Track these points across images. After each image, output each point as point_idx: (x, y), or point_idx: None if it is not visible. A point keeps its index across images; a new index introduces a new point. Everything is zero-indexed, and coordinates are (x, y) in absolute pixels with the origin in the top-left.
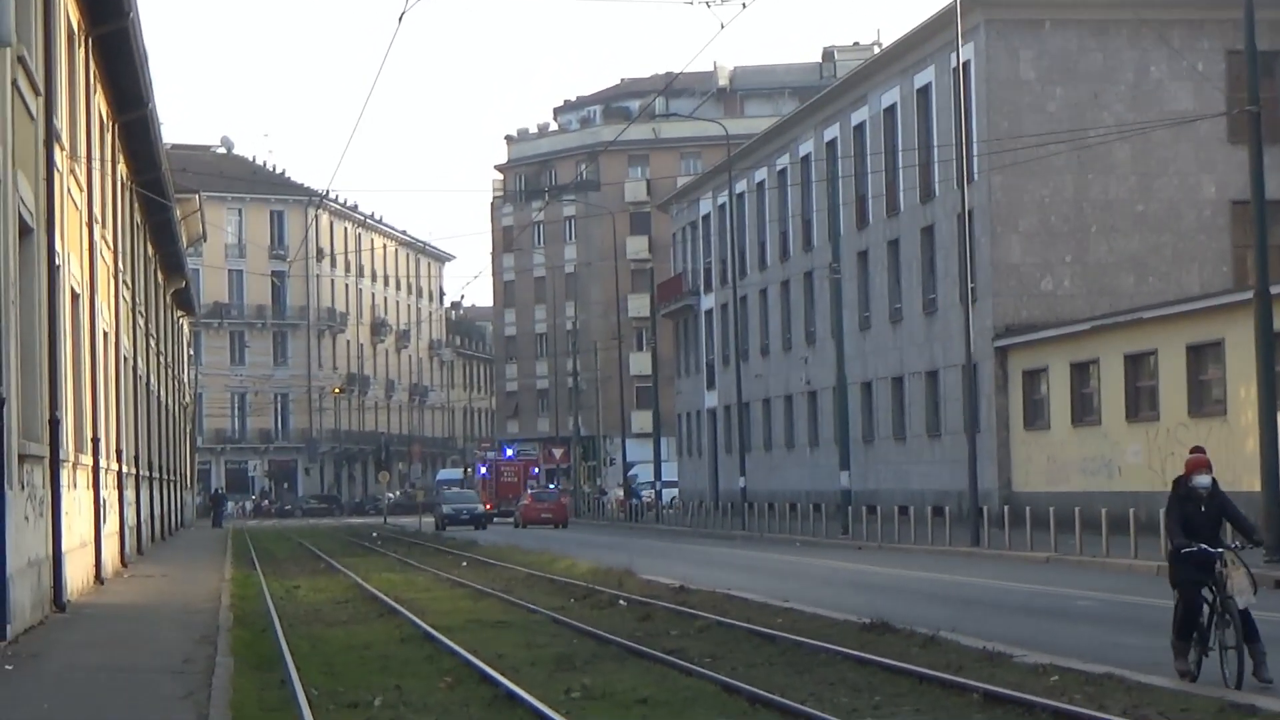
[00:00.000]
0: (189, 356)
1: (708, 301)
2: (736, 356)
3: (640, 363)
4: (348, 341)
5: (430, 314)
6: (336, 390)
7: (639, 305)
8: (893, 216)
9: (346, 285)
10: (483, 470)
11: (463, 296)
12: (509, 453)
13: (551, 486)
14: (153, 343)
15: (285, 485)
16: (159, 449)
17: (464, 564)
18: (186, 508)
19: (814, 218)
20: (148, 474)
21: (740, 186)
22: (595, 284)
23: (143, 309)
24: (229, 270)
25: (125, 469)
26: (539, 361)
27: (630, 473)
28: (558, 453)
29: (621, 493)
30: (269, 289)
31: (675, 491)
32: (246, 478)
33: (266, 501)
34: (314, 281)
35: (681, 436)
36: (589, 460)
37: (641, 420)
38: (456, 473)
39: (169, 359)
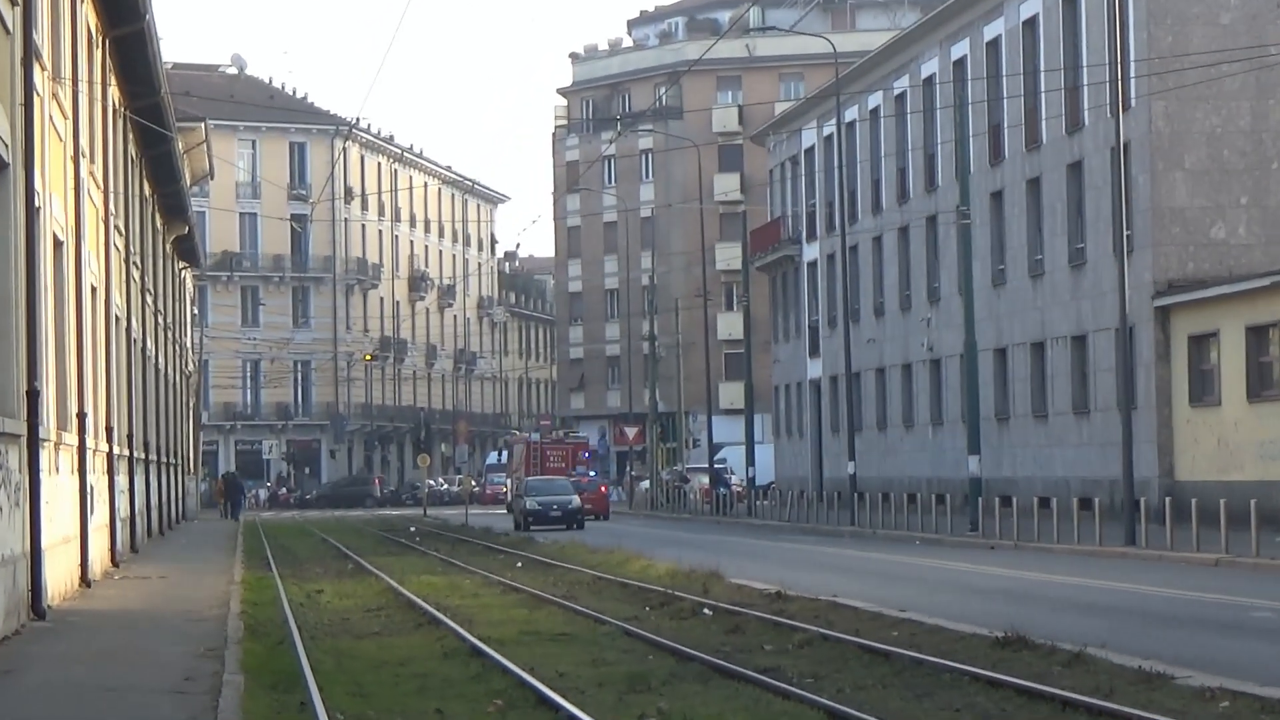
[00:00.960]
0: (192, 316)
1: (811, 252)
2: (845, 318)
3: (730, 325)
4: (381, 299)
5: (480, 266)
6: (368, 357)
7: (729, 256)
8: (1033, 150)
9: (380, 232)
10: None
11: (518, 245)
12: (534, 436)
13: (591, 474)
14: (149, 300)
15: (306, 470)
16: (157, 427)
17: (519, 565)
18: (189, 496)
19: (938, 152)
20: (143, 456)
21: (850, 114)
22: (676, 230)
23: (138, 259)
24: (240, 214)
25: (117, 450)
26: (609, 323)
27: (717, 456)
28: (631, 432)
29: (706, 480)
30: (288, 236)
31: (771, 479)
32: (260, 461)
33: (284, 490)
34: (341, 227)
35: (778, 413)
36: (667, 441)
37: (731, 394)
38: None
39: (169, 319)
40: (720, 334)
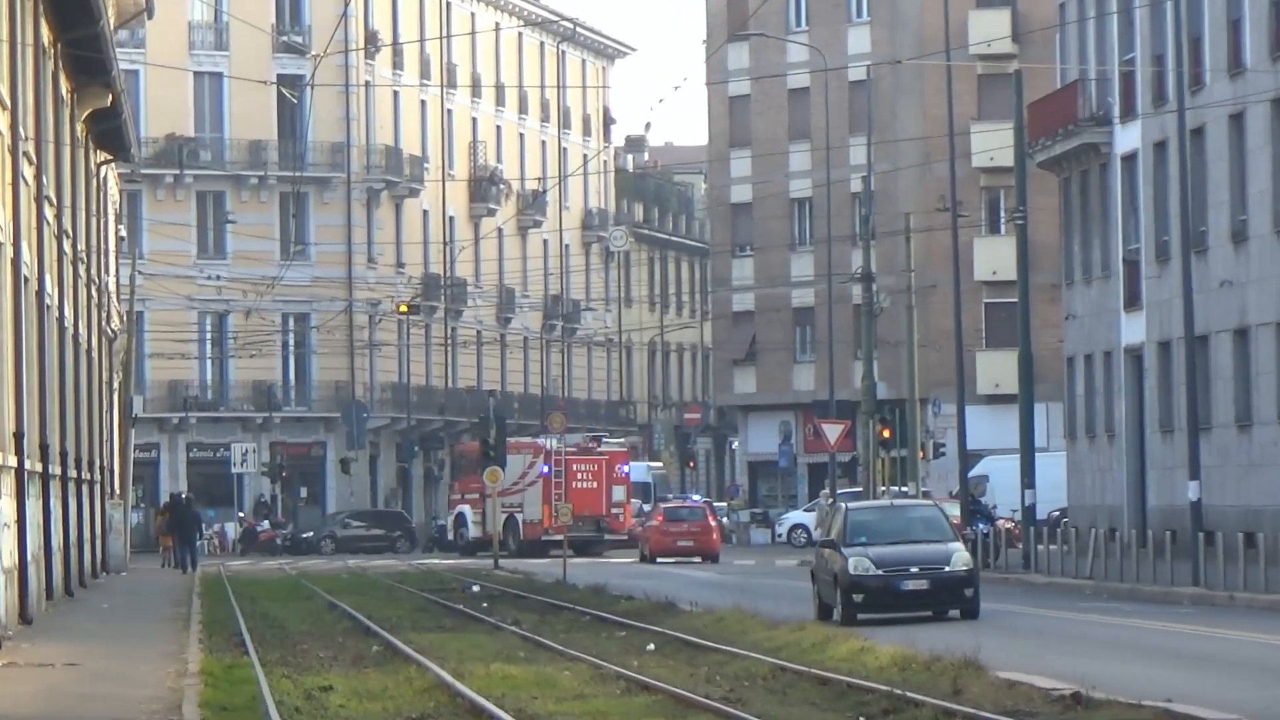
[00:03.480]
0: (117, 241)
1: (1127, 138)
2: (1184, 246)
3: (994, 257)
4: (424, 212)
5: (585, 160)
6: (403, 309)
7: (991, 144)
8: None
9: (423, 104)
10: (544, 468)
11: (648, 128)
12: (550, 442)
13: (694, 498)
14: (48, 212)
15: (303, 493)
16: (59, 421)
17: (650, 647)
18: (113, 533)
19: None
20: (37, 469)
21: None
22: (907, 103)
23: (31, 146)
24: (197, 75)
25: (0, 462)
26: (795, 254)
27: (973, 472)
28: (832, 433)
29: (955, 511)
30: (273, 112)
31: (1058, 507)
32: (227, 477)
33: (266, 523)
34: (360, 97)
35: (1072, 403)
36: (892, 448)
37: (995, 370)
38: (632, 470)
39: (79, 245)
40: (978, 272)
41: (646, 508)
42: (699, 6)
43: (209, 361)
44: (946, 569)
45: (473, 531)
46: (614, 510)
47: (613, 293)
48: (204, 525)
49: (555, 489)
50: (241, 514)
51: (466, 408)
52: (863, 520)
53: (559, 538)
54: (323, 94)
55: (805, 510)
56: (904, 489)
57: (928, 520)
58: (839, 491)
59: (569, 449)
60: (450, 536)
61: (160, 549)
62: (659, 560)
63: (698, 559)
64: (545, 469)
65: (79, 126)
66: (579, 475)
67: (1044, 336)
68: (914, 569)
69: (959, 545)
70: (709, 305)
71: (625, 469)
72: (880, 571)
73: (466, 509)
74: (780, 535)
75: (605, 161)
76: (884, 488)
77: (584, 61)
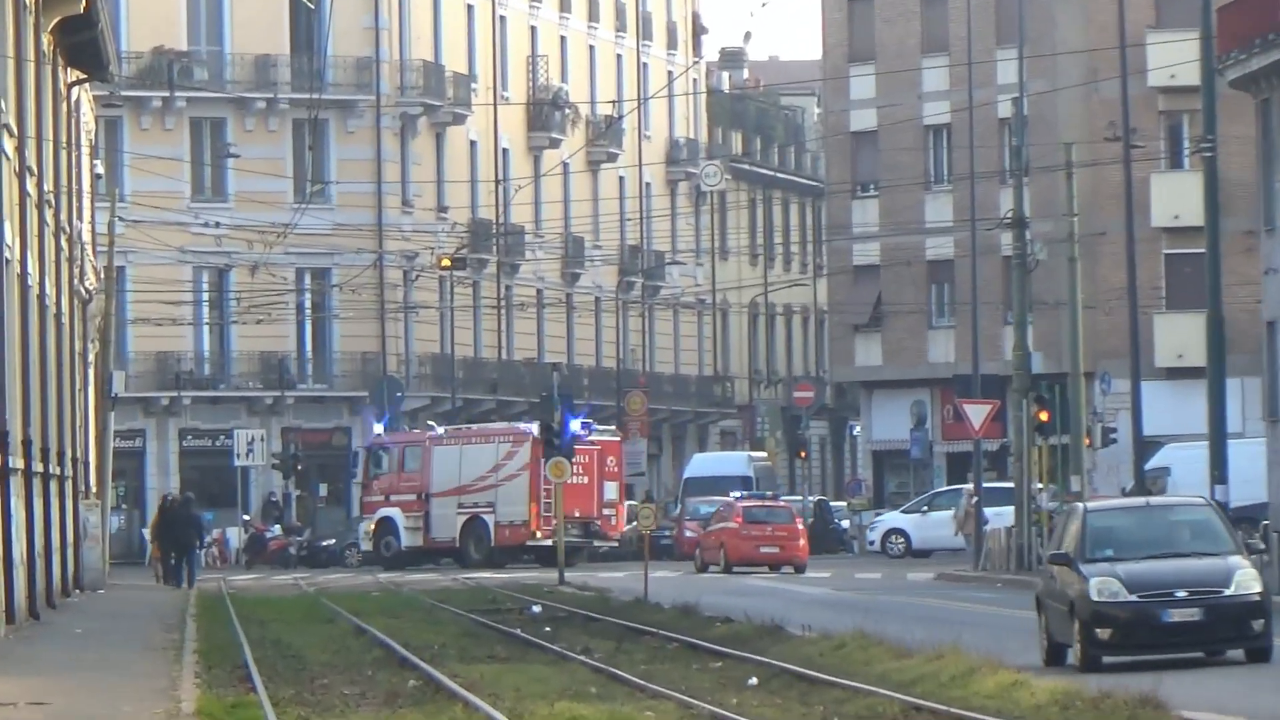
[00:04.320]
0: (92, 178)
1: None
2: None
3: (1175, 197)
4: (472, 144)
5: (670, 79)
6: (445, 263)
7: (1170, 57)
8: None
9: (469, 9)
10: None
11: (748, 38)
12: (525, 427)
13: (773, 496)
14: (8, 143)
15: (322, 491)
16: (23, 402)
17: (751, 681)
18: (90, 540)
19: None
20: None
21: None
22: (1067, 7)
23: None
24: None
25: None
26: (931, 194)
27: (1151, 464)
28: (976, 415)
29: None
30: (285, 18)
31: (1256, 501)
32: (228, 472)
33: (276, 527)
34: (390, 2)
35: (1275, 378)
36: (1050, 434)
37: (1176, 337)
38: (728, 461)
39: (46, 184)
40: (1156, 216)
41: (705, 509)
42: None
43: (206, 328)
44: (1226, 593)
45: (407, 540)
46: (606, 511)
47: (704, 243)
48: (204, 533)
49: (545, 485)
50: (246, 517)
51: (524, 384)
52: (1108, 526)
53: (548, 543)
54: (345, 2)
55: (904, 512)
56: (1069, 487)
57: (1198, 525)
58: (972, 494)
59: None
60: (366, 547)
61: (150, 561)
62: (735, 569)
63: (786, 568)
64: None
65: (45, 38)
66: (570, 468)
67: (1238, 295)
68: (1181, 593)
69: (1242, 560)
70: (823, 258)
71: (617, 462)
72: (1134, 597)
73: (396, 513)
74: (872, 543)
75: (695, 81)
76: (1040, 485)
77: None
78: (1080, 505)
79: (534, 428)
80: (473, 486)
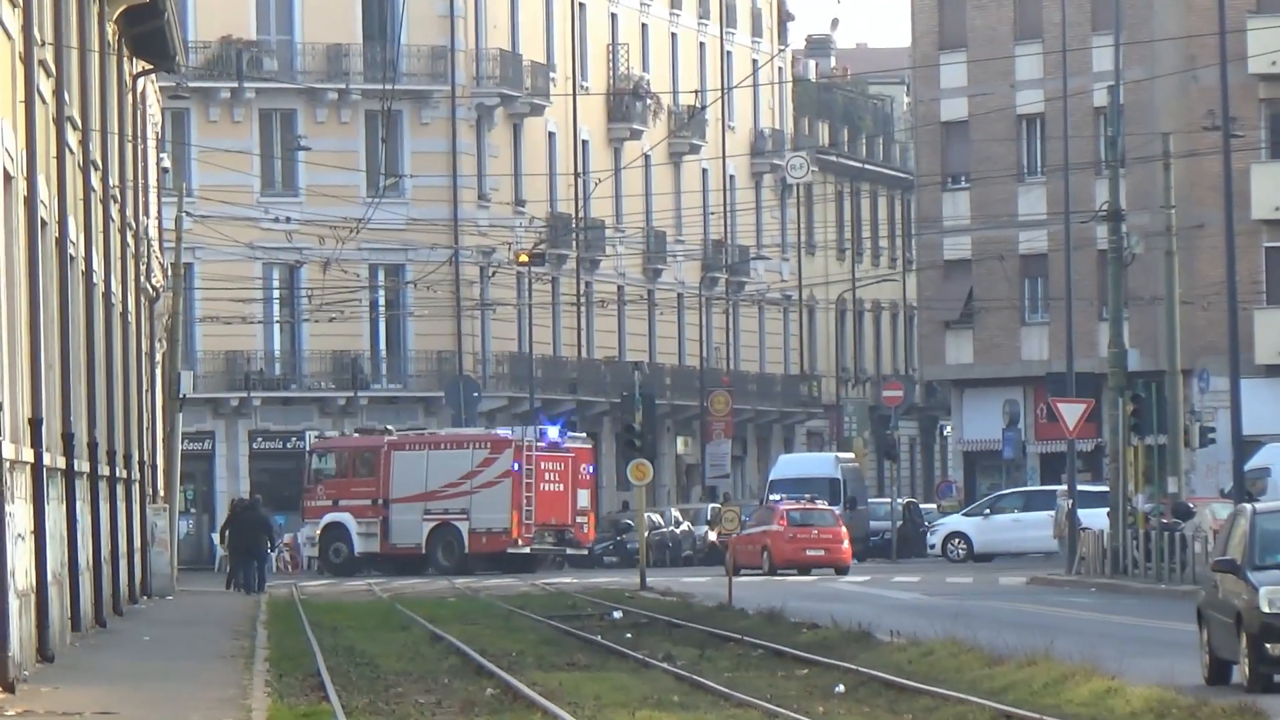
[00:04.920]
0: (159, 172)
1: None
2: None
3: (1272, 188)
4: (550, 135)
5: (755, 68)
6: (523, 258)
7: (1272, 42)
8: None
9: (548, 1)
10: (514, 464)
11: (835, 25)
12: (504, 431)
13: (813, 501)
14: (72, 137)
15: None
16: (88, 405)
17: (839, 689)
18: (158, 545)
19: None
20: (61, 466)
21: None
22: None
23: (49, 54)
24: None
25: (7, 454)
26: (1025, 186)
27: (1251, 464)
28: (1071, 414)
29: (1215, 515)
30: (356, 7)
31: None
32: (298, 474)
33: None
34: None
35: None
36: (1146, 433)
37: (1273, 330)
38: (815, 462)
39: (111, 177)
40: (1256, 208)
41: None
42: None
43: (276, 327)
44: None
45: (361, 546)
46: (579, 519)
47: (790, 237)
48: (276, 537)
49: (526, 492)
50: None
51: (605, 384)
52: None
53: (526, 550)
54: None
55: (966, 514)
56: (1167, 490)
57: None
58: (1068, 496)
59: (539, 444)
60: (309, 553)
61: (222, 565)
62: (780, 572)
63: (829, 569)
64: (516, 465)
65: (110, 28)
66: (547, 475)
67: None
68: None
69: None
70: (913, 252)
71: (590, 469)
72: None
73: (347, 518)
74: (933, 546)
75: (780, 69)
76: (1136, 488)
77: None
78: (1249, 506)
79: (516, 434)
80: (442, 493)
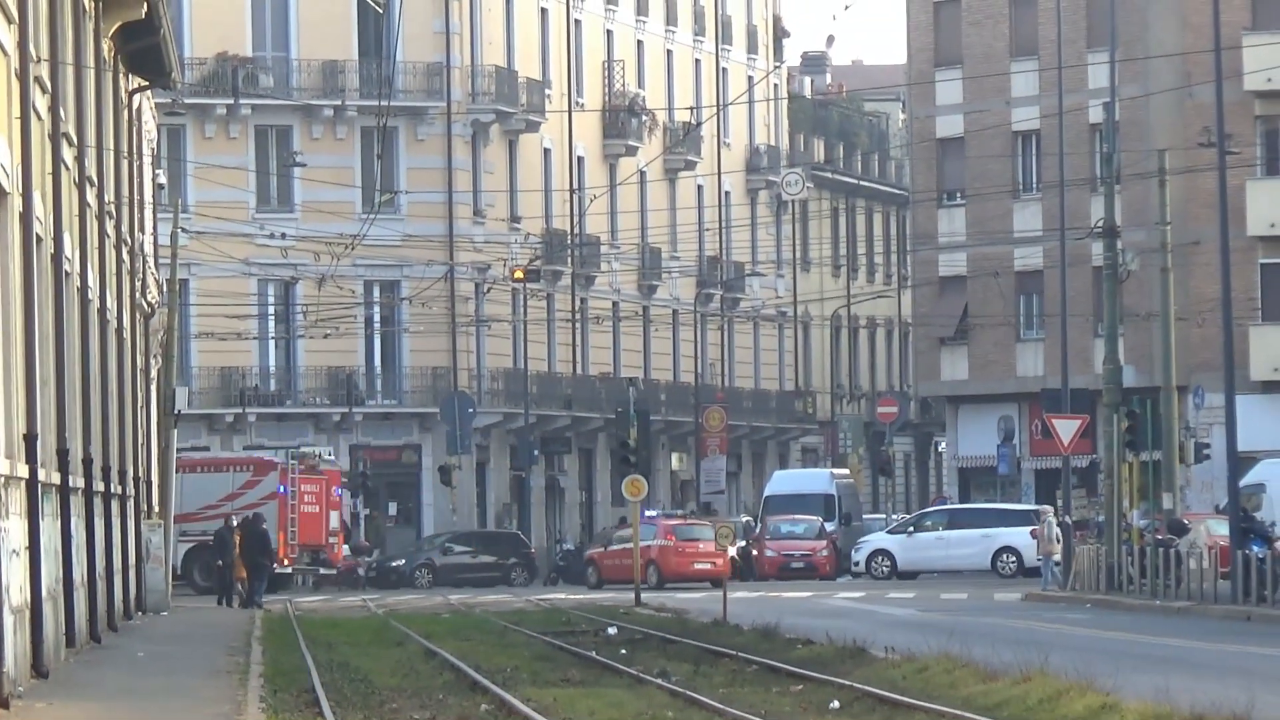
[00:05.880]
0: (154, 188)
1: None
2: None
3: (1271, 204)
4: (545, 151)
5: (751, 85)
6: (519, 275)
7: (1268, 59)
8: None
9: (543, 12)
10: (280, 487)
11: (830, 42)
12: (271, 457)
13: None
14: (67, 153)
15: (392, 509)
16: (81, 420)
17: (834, 705)
18: (153, 561)
19: None
20: (55, 481)
21: None
22: (1160, 9)
23: (44, 70)
24: None
25: (7, 471)
26: (1020, 204)
27: (1246, 480)
28: (1066, 430)
29: (1223, 530)
30: (352, 24)
31: None
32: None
33: (347, 548)
34: (461, 6)
35: None
36: (1140, 450)
37: (1274, 348)
38: (810, 478)
39: (107, 194)
40: (1252, 225)
41: (786, 528)
42: None
43: (272, 343)
44: None
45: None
46: (331, 540)
47: (786, 253)
48: (273, 553)
49: (290, 514)
50: None
51: (600, 400)
52: None
53: (290, 570)
54: (416, 1)
55: (890, 532)
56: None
57: None
58: (1063, 512)
59: (299, 466)
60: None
61: (220, 580)
62: (667, 585)
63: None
64: (282, 488)
65: (106, 44)
66: (305, 498)
67: None
68: None
69: None
70: (908, 268)
71: (340, 492)
72: None
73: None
74: (857, 564)
75: (776, 86)
76: (1131, 505)
77: None
78: None
79: (282, 457)
80: (199, 515)
